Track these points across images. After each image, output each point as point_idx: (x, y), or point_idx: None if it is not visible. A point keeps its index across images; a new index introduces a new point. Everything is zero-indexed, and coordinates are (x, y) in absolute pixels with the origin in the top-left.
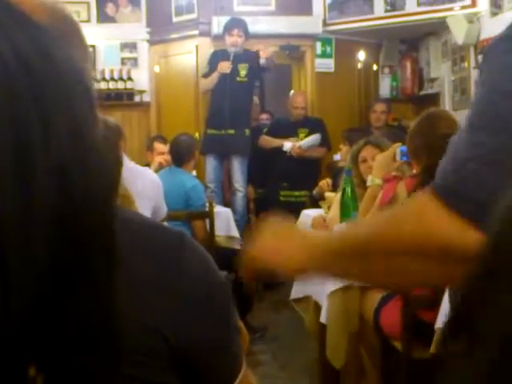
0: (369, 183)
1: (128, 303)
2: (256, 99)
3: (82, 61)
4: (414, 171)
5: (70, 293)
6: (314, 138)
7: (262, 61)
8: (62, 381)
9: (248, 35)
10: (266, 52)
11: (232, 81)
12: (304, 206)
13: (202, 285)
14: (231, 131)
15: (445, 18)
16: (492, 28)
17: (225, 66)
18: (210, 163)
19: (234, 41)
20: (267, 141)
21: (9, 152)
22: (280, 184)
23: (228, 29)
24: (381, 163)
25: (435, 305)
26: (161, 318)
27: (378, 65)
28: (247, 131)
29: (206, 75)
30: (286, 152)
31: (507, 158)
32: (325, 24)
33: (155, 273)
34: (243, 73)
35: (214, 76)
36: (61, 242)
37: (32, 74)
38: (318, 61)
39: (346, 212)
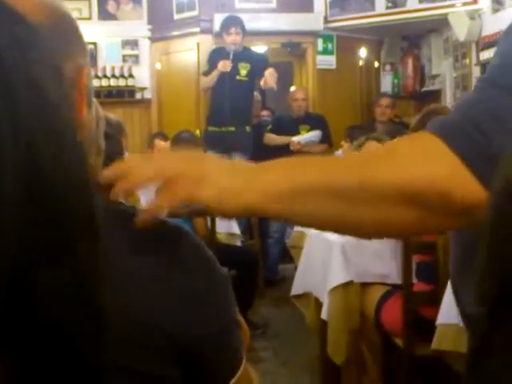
0: None
1: (128, 301)
2: (257, 95)
3: (81, 57)
4: None
5: (47, 267)
6: (314, 134)
7: (263, 84)
8: (38, 367)
9: (245, 32)
10: (269, 81)
11: (232, 79)
12: None
13: (202, 279)
14: (232, 128)
15: (446, 14)
16: (493, 25)
17: (225, 65)
18: None
19: (233, 39)
20: (272, 139)
21: None
22: None
23: (225, 27)
24: None
25: (436, 301)
26: (161, 314)
27: (379, 62)
28: (248, 128)
29: (206, 73)
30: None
31: None
32: (326, 21)
33: (154, 269)
34: (244, 72)
35: (214, 74)
36: (32, 218)
37: None
38: (319, 58)
39: None
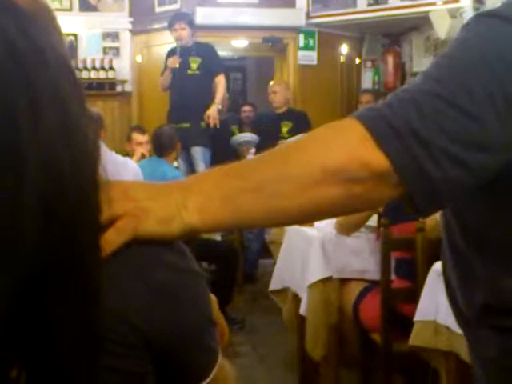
0: None
1: (105, 294)
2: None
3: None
4: None
5: (57, 286)
6: (298, 138)
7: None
8: (45, 377)
9: (193, 27)
10: (212, 120)
11: (183, 75)
12: None
13: (176, 274)
14: (186, 125)
15: (428, 12)
16: None
17: (173, 61)
18: (180, 156)
19: (177, 35)
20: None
21: None
22: None
23: (171, 24)
24: None
25: (414, 298)
26: (134, 309)
27: (360, 58)
28: (203, 124)
29: (162, 73)
30: None
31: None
32: (308, 17)
33: (128, 266)
34: (194, 66)
35: (167, 73)
36: (47, 228)
37: (19, 59)
38: (300, 53)
39: None
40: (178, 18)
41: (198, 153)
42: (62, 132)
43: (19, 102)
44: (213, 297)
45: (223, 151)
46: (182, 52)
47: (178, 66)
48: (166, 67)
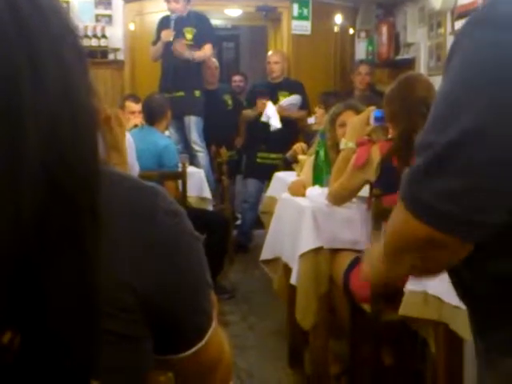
0: (342, 146)
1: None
2: (215, 61)
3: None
4: (390, 135)
5: (55, 252)
6: (294, 97)
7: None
8: (40, 342)
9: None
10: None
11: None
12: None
13: (175, 236)
14: (180, 93)
15: None
16: None
17: (167, 35)
18: (171, 126)
19: (172, 7)
20: (246, 115)
21: None
22: (258, 146)
23: None
24: (355, 127)
25: None
26: (132, 271)
27: (354, 29)
28: (197, 92)
29: (154, 43)
30: (268, 124)
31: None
32: None
33: (129, 226)
34: (189, 36)
35: (159, 45)
36: (48, 197)
37: (21, 19)
38: (294, 23)
39: (318, 175)
40: None
41: (192, 122)
42: (65, 100)
43: (22, 66)
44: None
45: (215, 121)
46: (177, 22)
47: (171, 39)
48: (158, 37)
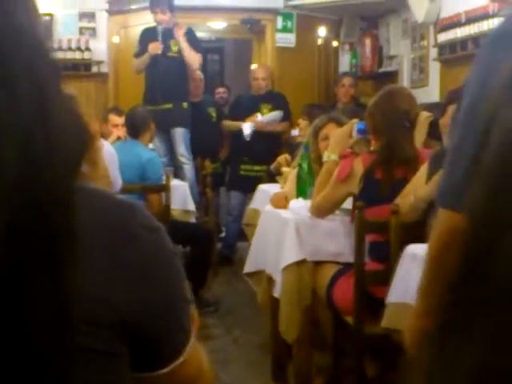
0: (325, 159)
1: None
2: (200, 74)
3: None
4: (372, 148)
5: (29, 268)
6: (275, 114)
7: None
8: (14, 360)
9: (173, 10)
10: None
11: (164, 57)
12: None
13: (153, 253)
14: (168, 105)
15: None
16: (452, 7)
17: (156, 47)
18: (157, 138)
19: (159, 19)
20: (227, 125)
21: None
22: (241, 158)
23: (151, 7)
24: (337, 139)
25: (388, 281)
26: (109, 287)
27: (338, 41)
28: (185, 104)
29: (137, 55)
30: (246, 137)
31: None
32: None
33: (106, 243)
34: (175, 49)
35: (146, 57)
36: (22, 210)
37: None
38: (278, 35)
39: (302, 187)
40: (157, 2)
41: (180, 134)
42: (40, 116)
43: None
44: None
45: (199, 133)
46: (163, 34)
47: (160, 51)
48: (141, 49)
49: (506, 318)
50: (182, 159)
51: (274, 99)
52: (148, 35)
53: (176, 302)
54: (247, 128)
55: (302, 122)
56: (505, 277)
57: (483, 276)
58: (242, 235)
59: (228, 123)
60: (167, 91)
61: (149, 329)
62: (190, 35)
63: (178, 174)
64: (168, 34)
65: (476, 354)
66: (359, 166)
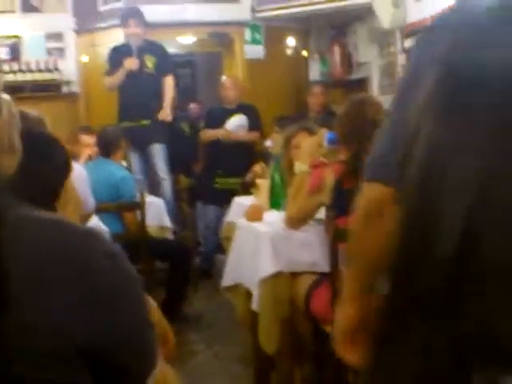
0: (296, 170)
1: (34, 305)
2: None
3: None
4: (342, 157)
5: None
6: (239, 118)
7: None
8: None
9: (146, 25)
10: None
11: (140, 73)
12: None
13: (112, 280)
14: (145, 122)
15: (371, 2)
16: (417, 12)
17: (132, 63)
18: (133, 156)
19: (131, 31)
20: (205, 135)
21: None
22: (215, 171)
23: (124, 20)
24: (308, 149)
25: None
26: (69, 317)
27: (307, 51)
28: (161, 120)
29: (109, 72)
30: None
31: None
32: (253, 10)
33: (64, 273)
34: (150, 65)
35: (121, 73)
36: None
37: None
38: (247, 48)
39: (275, 199)
40: (131, 14)
41: (158, 150)
42: None
43: None
44: (152, 302)
45: (173, 149)
46: (138, 50)
47: (136, 67)
48: (113, 66)
49: (440, 321)
50: (162, 175)
51: (244, 111)
52: (120, 52)
53: (138, 329)
54: (229, 124)
55: (275, 135)
56: (435, 280)
57: (417, 279)
58: (221, 248)
59: (207, 134)
60: (144, 107)
61: (113, 358)
62: (165, 53)
63: (156, 190)
64: (142, 50)
65: (414, 361)
66: (330, 176)
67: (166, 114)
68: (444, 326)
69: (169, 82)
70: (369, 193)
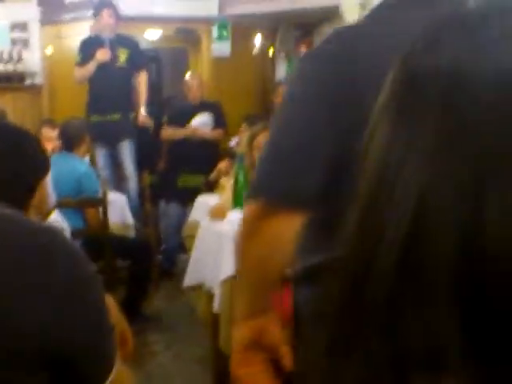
0: None
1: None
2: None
3: None
4: None
5: None
6: (203, 116)
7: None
8: None
9: (119, 17)
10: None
11: (112, 66)
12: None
13: (71, 280)
14: (116, 116)
15: (339, 4)
16: None
17: (104, 54)
18: (99, 151)
19: (106, 21)
20: (168, 134)
21: None
22: (179, 169)
23: (97, 10)
24: None
25: None
26: (26, 317)
27: (274, 50)
28: (131, 115)
29: (80, 64)
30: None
31: None
32: (221, 8)
33: (22, 271)
34: (123, 58)
35: (92, 65)
36: None
37: None
38: (214, 45)
39: (238, 198)
40: (105, 5)
41: (127, 147)
42: None
43: None
44: (111, 301)
45: (138, 146)
46: (111, 42)
47: (108, 58)
48: (84, 58)
49: (383, 339)
50: (129, 172)
51: (209, 108)
52: (91, 43)
53: (96, 330)
54: (194, 122)
55: (242, 133)
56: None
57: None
58: (183, 248)
59: (169, 132)
60: (115, 101)
61: (70, 361)
62: (137, 46)
63: (121, 186)
64: (115, 43)
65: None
66: None
67: (144, 117)
68: (385, 339)
69: (143, 79)
70: (252, 211)
